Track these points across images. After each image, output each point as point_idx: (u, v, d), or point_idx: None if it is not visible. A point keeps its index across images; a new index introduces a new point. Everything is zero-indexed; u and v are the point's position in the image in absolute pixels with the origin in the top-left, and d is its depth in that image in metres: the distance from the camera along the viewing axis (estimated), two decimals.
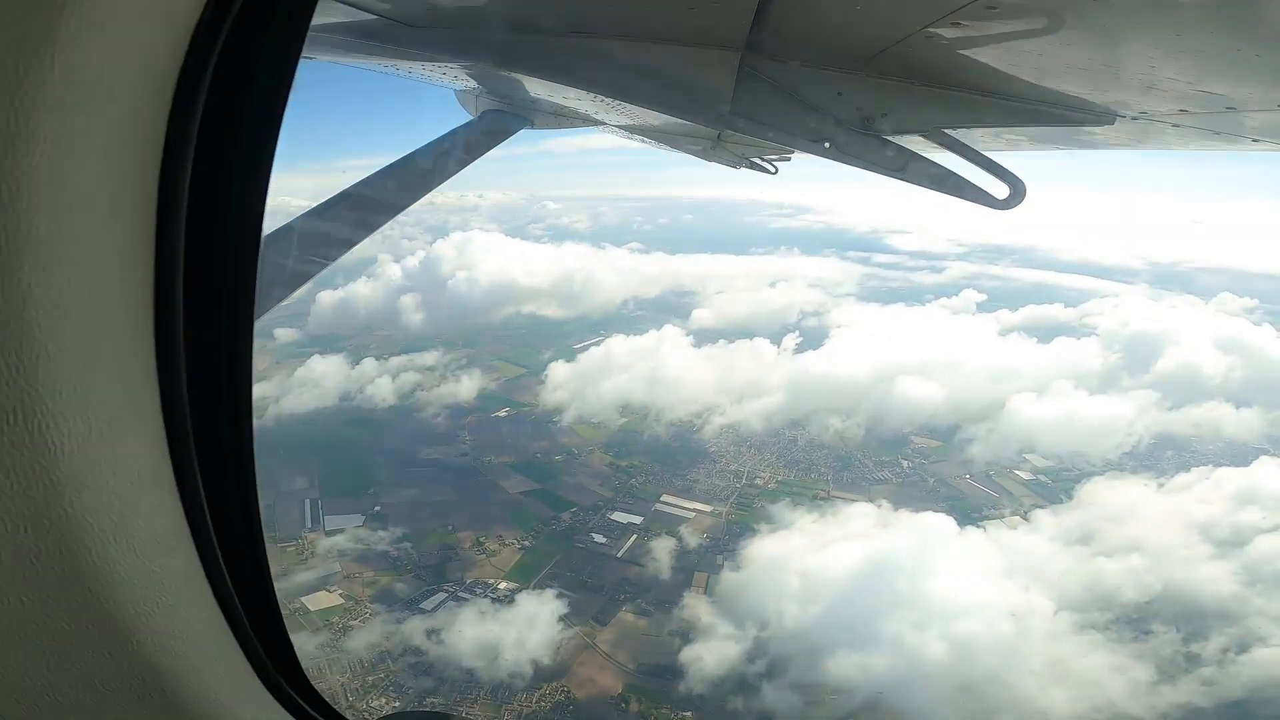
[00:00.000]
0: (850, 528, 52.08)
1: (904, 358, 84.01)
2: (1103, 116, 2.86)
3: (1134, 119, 2.91)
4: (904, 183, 3.18)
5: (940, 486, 60.76)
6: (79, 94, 0.75)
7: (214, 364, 1.14)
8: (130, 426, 1.01)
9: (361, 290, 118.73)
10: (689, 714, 36.59)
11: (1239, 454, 64.57)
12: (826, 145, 3.05)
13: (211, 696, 1.27)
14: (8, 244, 0.73)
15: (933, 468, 64.24)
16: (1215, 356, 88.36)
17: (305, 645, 39.61)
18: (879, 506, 55.09)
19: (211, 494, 1.20)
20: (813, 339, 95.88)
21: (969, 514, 53.88)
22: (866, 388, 77.68)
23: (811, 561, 47.24)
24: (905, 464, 65.05)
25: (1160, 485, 59.37)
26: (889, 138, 3.12)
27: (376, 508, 53.89)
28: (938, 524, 51.04)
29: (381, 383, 77.76)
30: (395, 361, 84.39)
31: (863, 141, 3.06)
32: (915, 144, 3.29)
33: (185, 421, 1.10)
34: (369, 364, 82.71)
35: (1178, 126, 2.91)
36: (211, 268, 1.07)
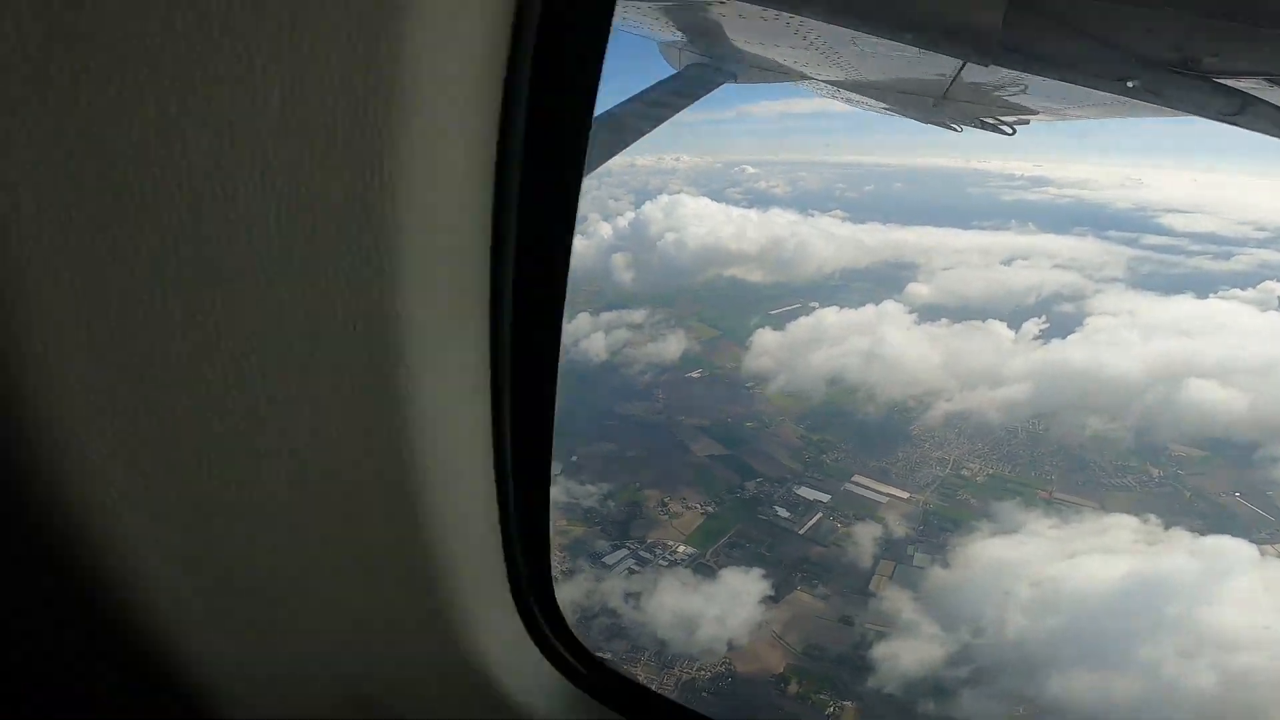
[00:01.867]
0: (1106, 540, 45.50)
1: (1191, 356, 69.89)
2: None
3: None
4: (1236, 126, 2.46)
5: (1197, 500, 50.46)
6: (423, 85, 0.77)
7: (532, 355, 1.33)
8: (466, 394, 1.22)
9: (575, 247, 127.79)
10: (849, 704, 35.15)
11: None
12: (1130, 85, 2.44)
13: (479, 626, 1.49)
14: (394, 223, 0.81)
15: (1191, 480, 53.20)
16: None
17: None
18: (1145, 521, 46.87)
19: (519, 468, 1.40)
20: (1061, 326, 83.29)
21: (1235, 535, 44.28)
22: (1139, 387, 65.80)
23: (1050, 571, 42.31)
24: (1155, 472, 54.51)
25: None
26: (1221, 80, 2.41)
27: (574, 458, 56.12)
28: (1228, 547, 42.85)
29: (596, 338, 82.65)
30: (606, 317, 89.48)
31: (1183, 83, 2.41)
32: (1252, 87, 2.52)
33: (505, 395, 1.30)
34: (583, 318, 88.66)
35: None
36: (534, 260, 1.21)
